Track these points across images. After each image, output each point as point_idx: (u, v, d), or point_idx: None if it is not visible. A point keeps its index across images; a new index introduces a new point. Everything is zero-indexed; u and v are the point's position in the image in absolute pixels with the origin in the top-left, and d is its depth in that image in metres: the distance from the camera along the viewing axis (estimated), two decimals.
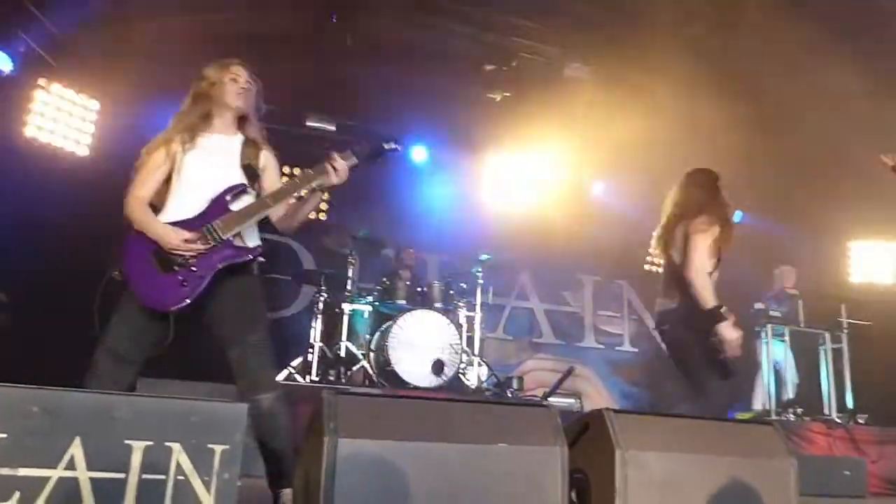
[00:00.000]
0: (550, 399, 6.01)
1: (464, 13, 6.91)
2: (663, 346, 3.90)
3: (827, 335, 7.34)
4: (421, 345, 5.55)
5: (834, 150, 7.72)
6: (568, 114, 7.15)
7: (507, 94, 7.61)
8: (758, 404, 7.28)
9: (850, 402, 7.13)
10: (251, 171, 2.79)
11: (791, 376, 7.31)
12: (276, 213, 2.81)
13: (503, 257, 6.56)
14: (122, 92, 6.43)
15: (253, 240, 2.76)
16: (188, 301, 2.56)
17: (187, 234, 2.61)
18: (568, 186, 8.30)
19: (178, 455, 1.75)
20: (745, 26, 6.27)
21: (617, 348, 8.80)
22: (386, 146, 2.87)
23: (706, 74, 6.46)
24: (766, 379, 7.02)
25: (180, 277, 2.58)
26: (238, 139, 2.84)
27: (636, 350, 8.89)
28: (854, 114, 6.89)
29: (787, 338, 7.16)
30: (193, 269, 2.59)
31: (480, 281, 6.33)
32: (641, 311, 9.07)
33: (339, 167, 2.71)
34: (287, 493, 2.51)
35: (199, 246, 2.60)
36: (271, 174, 2.88)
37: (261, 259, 2.76)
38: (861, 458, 5.65)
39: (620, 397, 8.42)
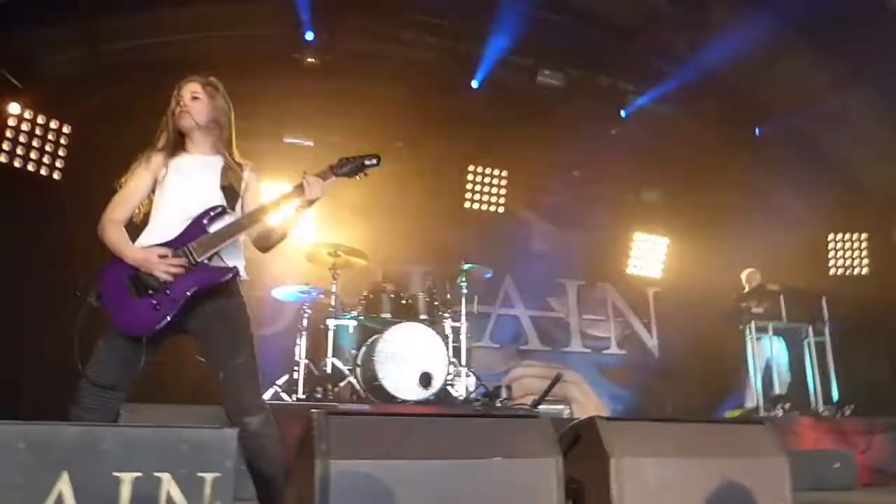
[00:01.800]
0: (540, 406, 5.99)
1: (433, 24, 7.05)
2: None
3: (810, 329, 7.43)
4: (407, 357, 5.51)
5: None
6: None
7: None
8: (749, 402, 7.33)
9: (835, 395, 7.20)
10: (232, 192, 2.77)
11: (783, 373, 7.38)
12: (251, 233, 2.81)
13: (485, 264, 6.54)
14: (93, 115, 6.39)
15: (234, 260, 2.74)
16: (160, 326, 2.54)
17: (162, 251, 2.59)
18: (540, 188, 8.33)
19: (169, 485, 1.71)
20: None
21: (604, 351, 8.83)
22: (367, 162, 2.90)
23: None
24: (752, 377, 7.09)
25: (154, 301, 2.55)
26: (219, 159, 2.82)
27: (623, 352, 8.92)
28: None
29: (770, 332, 7.26)
30: (167, 292, 2.56)
31: (465, 290, 6.31)
32: (627, 314, 9.11)
33: (313, 183, 2.73)
34: None
35: (176, 261, 2.57)
36: (252, 194, 2.85)
37: (242, 278, 2.74)
38: (849, 451, 5.70)
39: (609, 400, 8.44)
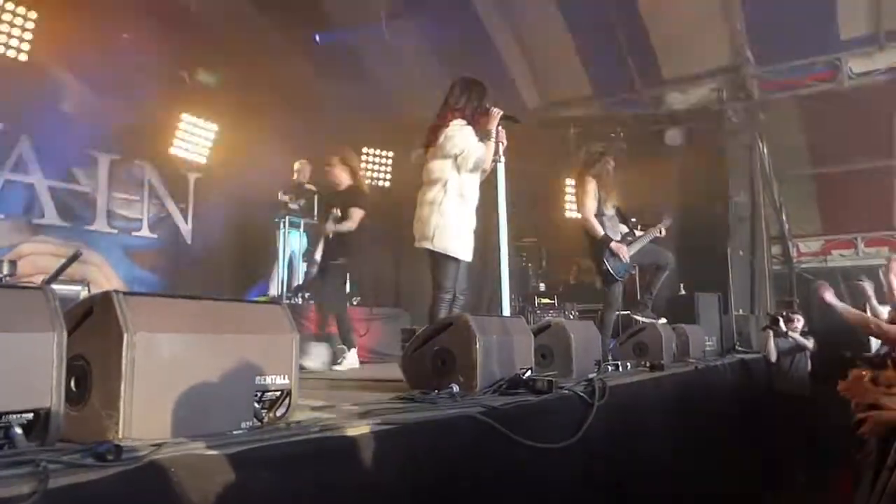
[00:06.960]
0: (53, 286, 5.38)
1: None
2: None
3: None
4: None
5: None
6: None
7: None
8: (273, 290, 7.82)
9: (348, 288, 8.19)
10: None
11: (302, 265, 8.06)
12: None
13: None
14: None
15: None
16: None
17: None
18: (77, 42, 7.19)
19: None
20: None
21: (133, 233, 8.31)
22: None
23: None
24: (279, 267, 7.58)
25: None
26: None
27: (154, 236, 8.53)
28: None
29: (301, 228, 7.85)
30: None
31: None
32: (164, 196, 8.69)
33: None
34: None
35: None
36: None
37: None
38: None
39: (135, 285, 8.02)
